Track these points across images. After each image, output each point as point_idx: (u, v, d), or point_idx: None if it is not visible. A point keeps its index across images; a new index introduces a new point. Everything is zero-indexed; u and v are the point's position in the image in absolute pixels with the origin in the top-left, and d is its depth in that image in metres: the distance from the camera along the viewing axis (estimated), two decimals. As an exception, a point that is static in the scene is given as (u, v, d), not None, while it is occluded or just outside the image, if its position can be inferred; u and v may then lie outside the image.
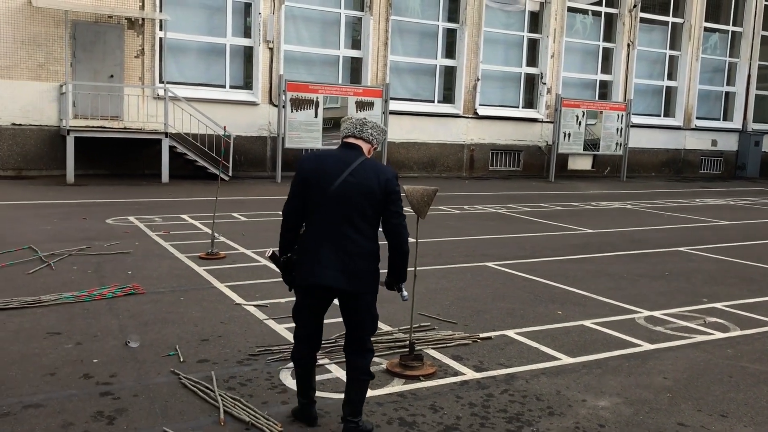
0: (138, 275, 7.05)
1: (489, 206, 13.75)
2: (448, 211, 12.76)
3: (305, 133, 16.68)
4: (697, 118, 24.52)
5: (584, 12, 22.22)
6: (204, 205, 12.11)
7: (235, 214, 11.25)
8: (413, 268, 4.88)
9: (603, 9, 22.44)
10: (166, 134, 15.06)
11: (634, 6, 22.38)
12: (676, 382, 4.64)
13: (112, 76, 15.62)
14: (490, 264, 8.17)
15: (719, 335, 5.72)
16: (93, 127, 14.95)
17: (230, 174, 16.07)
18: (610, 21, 22.72)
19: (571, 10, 21.67)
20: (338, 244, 3.55)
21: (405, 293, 3.85)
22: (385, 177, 3.63)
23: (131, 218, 10.51)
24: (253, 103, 17.33)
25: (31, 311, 5.72)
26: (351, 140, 3.74)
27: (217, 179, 15.61)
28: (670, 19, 23.76)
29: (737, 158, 25.65)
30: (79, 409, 3.92)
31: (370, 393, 4.22)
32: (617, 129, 21.34)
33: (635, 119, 22.38)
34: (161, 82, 15.90)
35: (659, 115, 24.20)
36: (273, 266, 3.78)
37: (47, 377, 4.35)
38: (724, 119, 25.69)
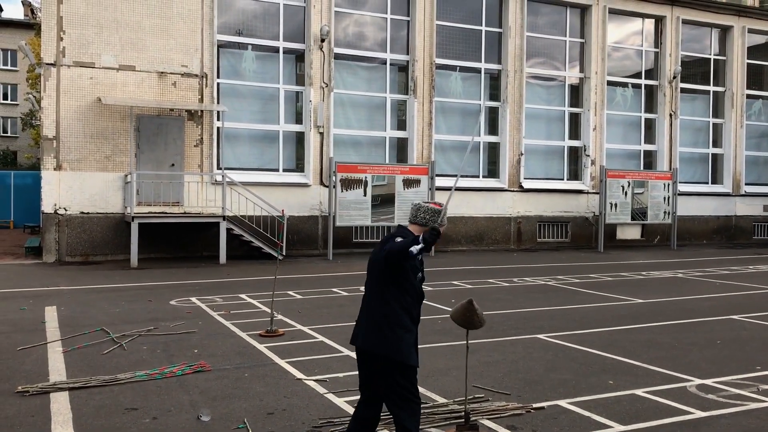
0: (203, 353, 7.45)
1: (538, 278, 13.90)
2: (497, 284, 12.96)
3: (355, 211, 17.26)
4: (746, 183, 24.38)
5: (624, 85, 22.68)
6: (260, 284, 12.59)
7: (290, 292, 11.67)
8: (465, 342, 5.16)
9: (643, 81, 22.88)
10: (224, 217, 15.79)
11: (674, 77, 22.75)
12: (728, 448, 4.74)
13: (173, 164, 16.59)
14: (541, 336, 8.34)
15: (772, 402, 5.77)
16: (155, 213, 15.80)
17: (284, 253, 16.64)
18: (651, 92, 23.11)
19: (610, 83, 22.17)
20: (364, 309, 4.24)
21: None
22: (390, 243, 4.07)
23: (193, 299, 11.02)
24: (305, 185, 18.07)
25: (108, 389, 6.13)
26: (408, 225, 4.29)
27: (271, 258, 16.28)
28: (711, 88, 24.04)
29: (791, 223, 25.23)
30: (160, 478, 4.25)
31: (429, 461, 4.46)
32: (664, 198, 21.37)
33: (682, 187, 22.42)
34: (219, 168, 16.79)
35: (707, 182, 24.16)
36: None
37: (129, 449, 4.71)
38: (775, 184, 25.47)
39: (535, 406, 5.65)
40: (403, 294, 4.10)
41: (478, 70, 20.49)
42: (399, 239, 4.05)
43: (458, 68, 20.28)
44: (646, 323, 9.31)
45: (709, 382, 6.38)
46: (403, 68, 19.67)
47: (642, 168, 22.70)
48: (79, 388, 6.13)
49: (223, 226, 15.84)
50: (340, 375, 6.58)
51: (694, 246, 22.51)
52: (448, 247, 19.44)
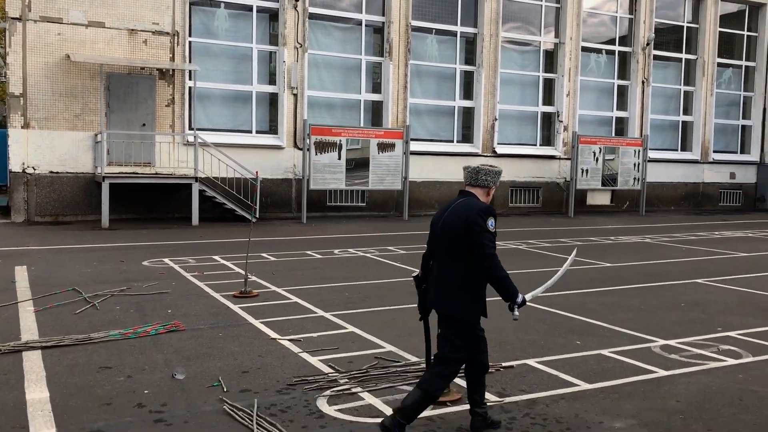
0: (177, 313, 7.48)
1: (509, 242, 14.08)
2: (469, 248, 13.09)
3: (329, 174, 17.23)
4: (714, 151, 24.78)
5: (598, 51, 22.75)
6: (233, 246, 12.59)
7: (264, 254, 11.69)
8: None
9: (616, 48, 22.97)
10: (196, 179, 15.67)
11: (647, 44, 22.87)
12: (688, 405, 4.92)
13: (144, 124, 16.35)
14: (511, 298, 8.49)
15: (732, 362, 5.99)
16: (126, 173, 15.61)
17: (257, 216, 16.57)
18: (624, 59, 23.22)
19: (584, 49, 22.21)
20: (436, 274, 4.31)
21: (516, 314, 4.29)
22: (468, 213, 4.18)
23: (166, 260, 10.99)
24: (278, 147, 17.95)
25: (82, 348, 6.14)
26: (467, 188, 4.44)
27: (244, 221, 16.23)
28: (684, 55, 24.22)
29: (756, 190, 25.78)
30: (136, 434, 4.31)
31: (401, 417, 4.57)
32: (634, 164, 21.66)
33: (652, 154, 22.72)
34: (191, 129, 16.59)
35: (676, 150, 24.50)
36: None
37: (104, 407, 4.75)
38: (742, 152, 25.92)
39: (504, 364, 5.79)
40: (470, 262, 4.19)
41: (454, 34, 20.38)
42: (469, 209, 4.19)
43: (434, 31, 20.14)
44: (614, 286, 9.53)
45: (672, 342, 6.59)
46: (378, 30, 19.48)
47: (613, 134, 22.92)
48: (52, 347, 6.13)
49: (196, 187, 15.72)
50: (314, 335, 6.66)
51: (662, 212, 22.93)
52: (422, 212, 19.54)
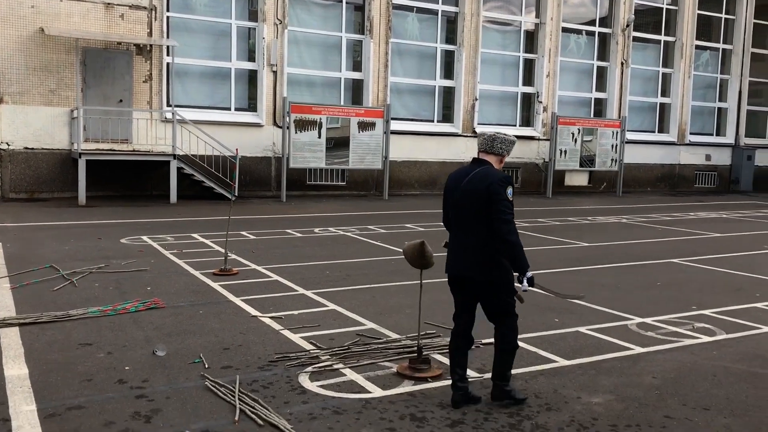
0: (157, 291, 7.45)
1: (488, 222, 14.15)
2: (449, 228, 13.16)
3: (309, 153, 17.16)
4: (691, 133, 25.03)
5: (578, 32, 22.79)
6: (212, 224, 12.53)
7: (243, 233, 11.64)
8: (420, 281, 5.30)
9: (596, 29, 23.03)
10: (174, 156, 15.51)
11: (627, 25, 22.96)
12: (664, 381, 5.03)
13: (121, 100, 16.11)
14: (490, 277, 8.57)
15: (706, 339, 6.12)
16: (103, 150, 15.41)
17: (236, 194, 16.46)
18: (604, 40, 23.30)
19: (565, 30, 22.25)
20: (461, 241, 4.42)
21: (525, 285, 4.24)
22: (489, 181, 4.27)
23: (144, 238, 10.91)
24: (257, 125, 17.81)
25: (61, 325, 6.10)
26: (481, 155, 4.49)
27: (223, 199, 16.14)
28: (663, 37, 24.36)
29: (731, 172, 26.14)
30: (117, 409, 4.30)
31: (382, 393, 4.64)
32: (612, 145, 21.83)
33: (630, 135, 22.90)
34: (169, 105, 16.39)
35: (654, 131, 24.72)
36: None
37: (84, 383, 4.74)
38: (718, 134, 26.22)
39: (483, 341, 5.85)
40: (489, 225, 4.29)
41: (435, 12, 20.28)
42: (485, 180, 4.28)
43: (415, 9, 20.03)
44: (591, 265, 9.64)
45: (648, 320, 6.70)
46: (359, 7, 19.31)
47: (592, 116, 23.06)
48: (30, 323, 6.08)
49: (174, 165, 15.56)
50: (295, 312, 6.68)
51: (639, 193, 23.17)
52: (402, 191, 19.56)
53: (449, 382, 4.87)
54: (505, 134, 4.50)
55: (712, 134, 26.09)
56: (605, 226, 14.19)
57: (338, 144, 17.60)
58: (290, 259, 9.45)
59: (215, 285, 7.80)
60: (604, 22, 23.20)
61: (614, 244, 11.77)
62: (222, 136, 16.33)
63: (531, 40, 22.03)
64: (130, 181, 16.43)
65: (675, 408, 4.51)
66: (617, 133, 21.86)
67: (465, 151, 20.69)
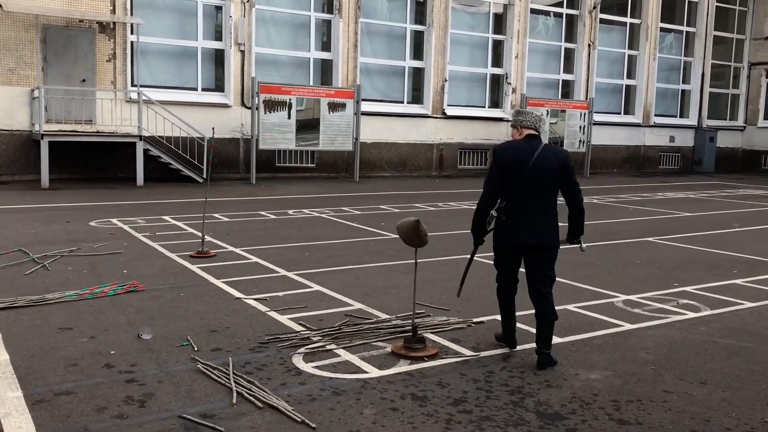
0: (134, 274, 7.23)
1: (462, 203, 14.15)
2: (423, 208, 13.12)
3: (278, 134, 16.90)
4: (655, 115, 25.38)
5: (546, 13, 22.84)
6: (183, 207, 12.27)
7: (216, 215, 11.42)
8: (414, 261, 5.22)
9: (564, 10, 23.11)
10: (141, 137, 15.12)
11: (594, 7, 23.09)
12: (657, 356, 5.05)
13: (84, 80, 15.62)
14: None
15: (692, 315, 6.17)
16: (66, 131, 14.93)
17: (210, 174, 16.12)
18: (572, 22, 23.40)
19: (533, 11, 22.28)
20: (530, 213, 4.72)
21: (584, 245, 5.04)
22: (562, 157, 4.80)
23: (114, 220, 10.62)
24: (225, 105, 17.47)
25: (37, 309, 5.87)
26: (534, 132, 4.85)
27: (191, 181, 15.82)
28: (628, 19, 24.58)
29: (694, 153, 26.61)
30: (108, 394, 4.14)
31: (380, 373, 4.56)
32: (580, 127, 22.00)
33: (597, 117, 23.09)
34: (133, 85, 15.96)
35: (620, 113, 25.00)
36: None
37: (70, 368, 4.55)
38: (681, 116, 26.65)
39: (474, 320, 5.82)
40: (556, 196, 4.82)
41: (404, -8, 20.11)
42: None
43: (384, -11, 19.82)
44: (569, 245, 9.65)
45: (633, 297, 6.74)
46: (327, -14, 19.04)
47: (560, 97, 23.19)
48: (5, 308, 5.85)
49: (140, 146, 15.17)
50: (280, 294, 6.55)
51: (605, 174, 23.44)
52: (372, 173, 19.44)
53: (445, 361, 4.84)
54: (540, 115, 4.93)
55: (675, 116, 26.51)
56: (577, 207, 14.26)
57: (309, 125, 17.36)
58: (267, 241, 9.29)
59: (193, 267, 7.61)
60: (572, 3, 23.28)
61: (588, 223, 11.78)
62: (189, 117, 15.97)
63: (500, 21, 22.00)
64: (95, 163, 16.00)
65: (672, 383, 4.52)
66: (585, 114, 22.03)
67: (435, 132, 20.65)
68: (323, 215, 11.92)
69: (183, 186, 15.42)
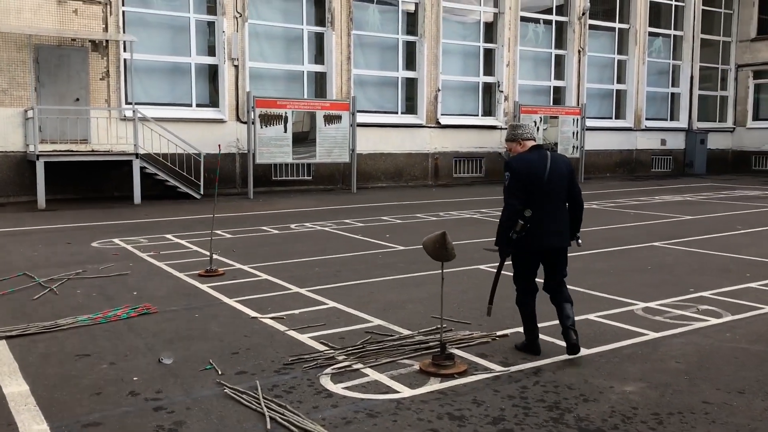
0: (144, 295, 7.11)
1: (463, 212, 14.10)
2: (425, 218, 13.06)
3: (275, 147, 16.81)
4: (646, 119, 25.51)
5: (536, 21, 22.93)
6: (183, 224, 12.15)
7: (219, 231, 11.29)
8: (440, 271, 5.15)
9: (554, 17, 23.21)
10: (137, 155, 14.98)
11: (583, 14, 23.21)
12: (689, 365, 4.99)
13: (77, 99, 15.48)
14: (482, 266, 8.48)
15: (714, 321, 6.12)
16: (61, 151, 14.78)
17: (201, 192, 16.04)
18: (561, 29, 23.50)
19: (523, 19, 22.35)
20: (554, 217, 5.05)
21: (580, 240, 5.36)
22: (567, 162, 5.22)
23: (116, 240, 10.48)
24: (220, 121, 17.37)
25: (51, 336, 5.74)
26: (535, 142, 5.21)
27: (188, 198, 15.69)
28: (617, 25, 24.72)
29: (685, 156, 26.74)
30: (138, 424, 4.02)
31: (412, 392, 4.47)
32: (573, 133, 22.05)
33: (589, 122, 23.17)
34: (128, 103, 15.83)
35: (611, 118, 25.10)
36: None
37: (94, 397, 4.43)
38: (671, 119, 26.81)
39: (498, 333, 5.74)
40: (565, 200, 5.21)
41: (395, 3, 20.11)
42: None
43: (376, 0, 19.81)
44: (578, 251, 9.61)
45: (652, 305, 6.69)
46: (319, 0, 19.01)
47: (551, 104, 23.25)
48: (17, 336, 5.71)
49: (137, 164, 15.04)
50: (296, 312, 6.44)
51: (599, 179, 23.48)
52: (368, 184, 19.37)
53: (477, 378, 4.76)
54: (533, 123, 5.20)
55: (666, 119, 26.66)
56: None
57: (304, 138, 17.28)
58: (274, 257, 9.18)
59: (204, 287, 7.50)
60: (561, 10, 23.39)
61: (592, 229, 11.80)
62: (184, 134, 15.86)
63: (490, 30, 22.06)
64: (90, 183, 15.83)
65: (710, 393, 4.46)
66: (578, 120, 22.09)
67: (430, 141, 20.63)
68: (326, 228, 11.82)
69: (180, 203, 15.28)
